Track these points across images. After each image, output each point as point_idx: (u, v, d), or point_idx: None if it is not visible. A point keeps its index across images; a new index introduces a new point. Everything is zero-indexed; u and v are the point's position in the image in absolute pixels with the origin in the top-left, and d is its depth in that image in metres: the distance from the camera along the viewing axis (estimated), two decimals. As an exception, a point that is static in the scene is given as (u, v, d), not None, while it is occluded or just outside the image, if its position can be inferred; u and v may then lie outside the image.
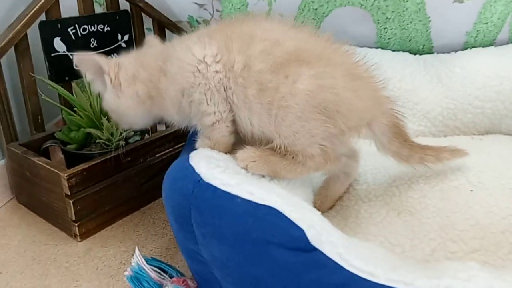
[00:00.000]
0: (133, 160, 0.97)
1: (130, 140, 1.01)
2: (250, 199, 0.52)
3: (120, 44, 1.13)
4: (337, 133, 0.65)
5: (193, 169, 0.59)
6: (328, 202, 0.82)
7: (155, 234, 0.93)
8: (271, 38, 0.67)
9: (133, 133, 1.02)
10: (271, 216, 0.51)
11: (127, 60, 0.75)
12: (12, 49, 0.95)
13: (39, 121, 1.03)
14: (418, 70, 1.10)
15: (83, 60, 0.75)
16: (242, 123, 0.69)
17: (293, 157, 0.66)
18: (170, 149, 1.06)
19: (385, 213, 0.78)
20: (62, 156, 1.07)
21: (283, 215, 0.51)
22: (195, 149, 0.69)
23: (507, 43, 1.18)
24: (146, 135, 1.07)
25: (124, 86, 0.73)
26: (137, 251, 0.76)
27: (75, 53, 0.74)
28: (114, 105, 0.75)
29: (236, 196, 0.53)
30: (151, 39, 0.82)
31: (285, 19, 0.73)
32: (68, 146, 1.00)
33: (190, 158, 0.63)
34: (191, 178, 0.58)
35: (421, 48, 1.23)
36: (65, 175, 0.86)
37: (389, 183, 0.86)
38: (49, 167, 0.89)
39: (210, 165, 0.59)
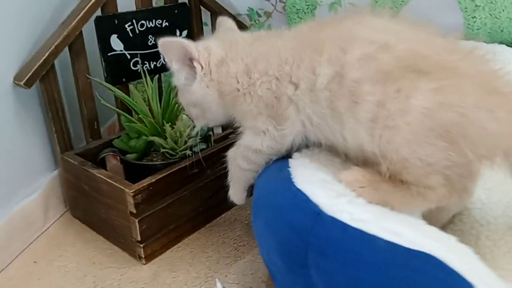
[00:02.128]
0: (200, 171, 0.87)
1: (195, 149, 0.90)
2: (396, 242, 0.40)
3: (178, 41, 1.02)
4: (462, 163, 0.51)
5: (307, 197, 0.47)
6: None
7: (227, 257, 0.82)
8: (378, 39, 0.54)
9: (198, 140, 0.91)
10: (430, 267, 0.39)
11: (214, 45, 0.65)
12: (66, 48, 0.85)
13: (95, 127, 0.93)
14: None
15: (168, 44, 0.65)
16: (333, 137, 0.58)
17: (408, 187, 0.53)
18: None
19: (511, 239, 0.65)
20: (117, 164, 0.98)
21: (446, 265, 0.38)
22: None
23: None
24: (211, 143, 0.96)
25: (214, 75, 0.63)
26: (218, 285, 0.65)
27: (160, 39, 0.65)
28: (201, 97, 0.65)
29: (376, 237, 0.41)
30: (226, 20, 0.74)
31: (400, 16, 0.60)
32: (128, 156, 0.90)
33: (295, 180, 0.52)
34: (306, 209, 0.47)
35: (515, 40, 1.08)
36: (131, 191, 0.76)
37: (508, 201, 0.72)
38: (111, 181, 0.79)
39: (328, 191, 0.47)
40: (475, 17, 1.07)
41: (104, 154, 0.91)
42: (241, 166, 0.67)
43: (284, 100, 0.60)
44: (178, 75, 0.66)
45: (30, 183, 0.87)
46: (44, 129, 0.90)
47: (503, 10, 1.05)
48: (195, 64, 0.63)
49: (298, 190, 0.49)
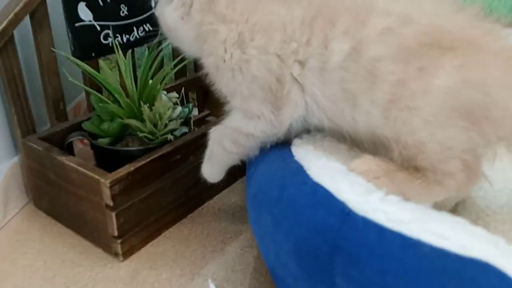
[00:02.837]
0: (182, 158, 0.79)
1: (176, 133, 0.82)
2: (445, 248, 0.35)
3: (154, 12, 0.92)
4: (482, 145, 0.48)
5: (329, 193, 0.41)
6: None
7: (213, 251, 0.76)
8: (398, 12, 0.49)
9: (178, 123, 0.82)
10: (487, 277, 0.33)
11: None
12: (27, 18, 0.74)
13: (61, 108, 0.83)
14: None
15: None
16: (341, 119, 0.53)
17: (425, 174, 0.49)
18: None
19: (521, 230, 0.62)
20: (85, 148, 0.88)
21: (506, 275, 0.33)
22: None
23: None
24: (191, 126, 0.88)
25: (195, 14, 0.58)
26: (212, 286, 0.58)
27: None
28: (172, 25, 0.60)
29: (420, 242, 0.35)
30: None
31: None
32: (100, 140, 0.80)
33: (310, 173, 0.45)
34: (330, 207, 0.40)
35: None
36: (107, 181, 0.67)
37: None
38: (84, 170, 0.70)
39: (355, 186, 0.41)
40: None
41: (72, 139, 0.81)
42: (227, 148, 0.60)
43: (287, 81, 0.54)
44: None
45: (-14, 171, 0.76)
46: (1, 110, 0.79)
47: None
48: None
49: (317, 184, 0.43)
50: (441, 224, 0.37)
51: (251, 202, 0.56)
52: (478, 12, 0.53)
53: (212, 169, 0.65)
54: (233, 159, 0.62)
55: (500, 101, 0.46)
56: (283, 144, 0.60)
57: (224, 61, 0.56)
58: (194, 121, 0.99)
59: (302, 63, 0.53)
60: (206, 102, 1.15)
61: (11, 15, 0.69)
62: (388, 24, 0.48)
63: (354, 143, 0.56)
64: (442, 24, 0.48)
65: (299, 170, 0.48)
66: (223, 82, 0.58)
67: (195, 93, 1.15)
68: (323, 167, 0.47)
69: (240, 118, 0.58)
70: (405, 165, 0.51)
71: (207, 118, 1.14)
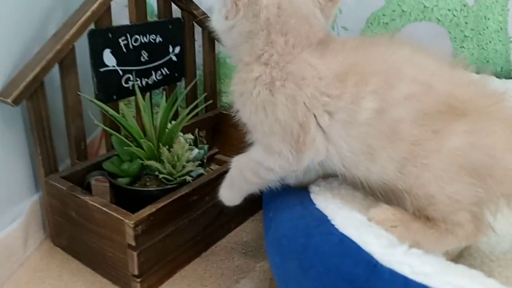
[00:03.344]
0: (199, 199, 0.82)
1: (193, 174, 0.85)
2: (465, 299, 0.38)
3: (170, 57, 0.97)
4: (488, 199, 0.53)
5: (357, 245, 0.45)
6: None
7: (229, 290, 0.78)
8: (422, 79, 0.54)
9: (194, 165, 0.86)
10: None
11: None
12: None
13: (82, 147, 0.86)
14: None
15: None
16: (356, 169, 0.57)
17: (437, 224, 0.53)
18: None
19: (525, 276, 0.66)
20: (102, 185, 0.91)
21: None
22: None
23: None
24: (208, 167, 0.91)
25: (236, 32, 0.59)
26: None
27: None
28: (221, 29, 0.61)
29: (443, 294, 0.39)
30: None
31: (435, 52, 0.59)
32: (120, 180, 0.83)
33: (335, 223, 0.49)
34: (358, 259, 0.44)
35: (499, 71, 1.12)
36: (131, 222, 0.70)
37: (514, 234, 0.73)
38: (107, 210, 0.73)
39: (380, 239, 0.45)
40: (463, 47, 1.10)
41: (94, 178, 0.84)
42: (248, 178, 0.63)
43: (311, 129, 0.57)
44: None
45: (10, 209, 0.79)
46: (26, 149, 0.82)
47: (489, 42, 1.08)
48: None
49: (344, 235, 0.46)
50: (461, 277, 0.40)
51: (274, 247, 0.59)
52: (486, 80, 0.58)
53: (231, 194, 0.67)
54: (253, 188, 0.65)
55: (503, 163, 0.52)
56: (301, 190, 0.64)
57: (251, 95, 0.58)
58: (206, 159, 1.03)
59: (331, 114, 0.56)
60: (215, 141, 1.19)
61: (43, 62, 0.73)
62: (413, 91, 0.53)
63: (368, 192, 0.60)
64: (457, 94, 0.54)
65: (324, 220, 0.52)
66: (246, 113, 0.60)
67: (205, 131, 1.19)
68: (347, 218, 0.50)
69: (261, 151, 0.60)
70: (417, 214, 0.55)
71: (215, 156, 1.18)
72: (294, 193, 0.64)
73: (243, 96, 0.59)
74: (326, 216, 0.52)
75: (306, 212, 0.57)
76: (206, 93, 1.11)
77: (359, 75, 0.55)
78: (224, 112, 1.17)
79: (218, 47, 1.14)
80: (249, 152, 0.63)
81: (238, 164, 0.64)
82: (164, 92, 1.00)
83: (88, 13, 0.78)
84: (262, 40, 0.57)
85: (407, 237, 0.52)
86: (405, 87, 0.53)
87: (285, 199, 0.64)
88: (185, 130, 0.98)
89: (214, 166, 1.16)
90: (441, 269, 0.41)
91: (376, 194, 0.59)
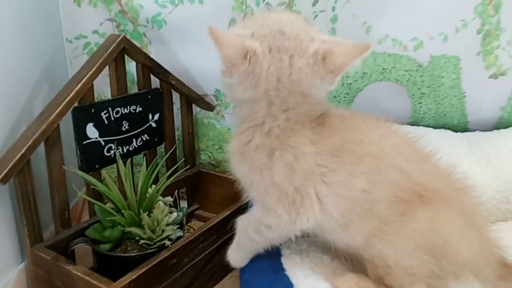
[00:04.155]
0: (177, 261, 0.87)
1: (172, 237, 0.90)
2: None
3: (150, 124, 1.04)
4: (442, 276, 0.61)
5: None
6: None
7: None
8: (404, 168, 0.61)
9: (173, 228, 0.91)
10: None
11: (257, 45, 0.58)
12: (41, 139, 0.84)
13: (66, 216, 0.91)
14: (464, 150, 1.07)
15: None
16: (329, 235, 0.64)
17: None
18: (212, 243, 0.96)
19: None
20: (82, 249, 0.95)
21: None
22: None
23: (542, 119, 1.19)
24: (188, 225, 0.96)
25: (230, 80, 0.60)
26: None
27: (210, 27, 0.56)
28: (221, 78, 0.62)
29: None
30: None
31: (409, 135, 0.67)
32: (102, 246, 0.88)
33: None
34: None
35: (456, 123, 1.21)
36: (112, 291, 0.74)
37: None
38: (89, 279, 0.77)
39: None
40: (421, 103, 1.19)
41: (76, 246, 0.89)
42: (252, 238, 0.66)
43: (310, 197, 0.61)
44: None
45: (-3, 280, 0.82)
46: (13, 221, 0.86)
47: (445, 97, 1.18)
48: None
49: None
50: None
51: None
52: (452, 170, 0.67)
53: (239, 255, 0.71)
54: (257, 248, 0.68)
55: (455, 247, 0.60)
56: (273, 250, 0.69)
57: (251, 158, 0.60)
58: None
59: (328, 185, 0.60)
60: (195, 197, 1.24)
61: (30, 142, 0.79)
62: (396, 178, 0.60)
63: (335, 255, 0.67)
64: (428, 184, 0.61)
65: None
66: (242, 172, 0.62)
67: (185, 189, 1.24)
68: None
69: (260, 209, 0.64)
70: (378, 282, 0.61)
71: (195, 212, 1.23)
72: (267, 256, 0.69)
73: (243, 156, 0.62)
74: (293, 285, 0.58)
75: (276, 278, 0.62)
76: (184, 157, 1.17)
77: (354, 154, 0.61)
78: (203, 169, 1.23)
79: (195, 109, 1.21)
80: (251, 211, 0.67)
81: (242, 223, 0.68)
82: (144, 156, 1.06)
83: (72, 94, 0.84)
84: (263, 110, 0.59)
85: None
86: (390, 174, 0.60)
87: (258, 262, 0.69)
88: (165, 191, 1.04)
89: (194, 222, 1.22)
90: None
91: (341, 258, 0.66)
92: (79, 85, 0.85)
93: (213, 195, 1.20)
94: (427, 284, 0.60)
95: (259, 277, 0.64)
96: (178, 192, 1.13)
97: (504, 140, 1.07)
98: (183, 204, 1.25)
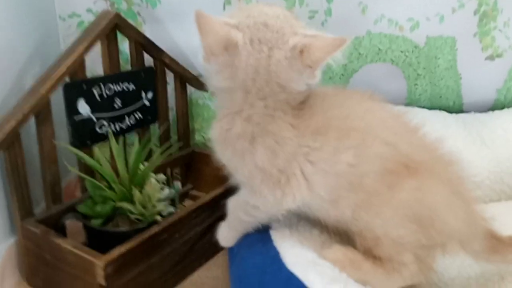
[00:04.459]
0: (168, 237, 0.87)
1: (164, 213, 0.90)
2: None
3: (144, 103, 1.04)
4: (429, 245, 0.61)
5: (301, 283, 0.50)
6: None
7: (197, 324, 0.82)
8: (391, 140, 0.61)
9: (166, 205, 0.91)
10: None
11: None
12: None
13: (57, 191, 0.91)
14: (459, 130, 1.07)
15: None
16: (318, 212, 0.64)
17: (384, 263, 0.61)
18: (204, 220, 0.96)
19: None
20: (77, 225, 0.95)
21: None
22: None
23: (538, 101, 1.18)
24: (182, 203, 0.96)
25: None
26: None
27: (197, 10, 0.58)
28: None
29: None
30: None
31: (402, 113, 0.68)
32: (93, 221, 0.88)
33: (286, 261, 0.55)
34: (301, 296, 0.49)
35: (452, 105, 1.21)
36: (101, 262, 0.74)
37: (461, 261, 0.78)
38: (79, 252, 0.77)
39: (322, 277, 0.51)
40: (417, 84, 1.18)
41: (68, 220, 0.89)
42: (241, 217, 0.67)
43: (296, 176, 0.61)
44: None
45: (-13, 254, 0.83)
46: (3, 195, 0.86)
47: (441, 79, 1.17)
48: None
49: (291, 274, 0.52)
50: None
51: (235, 283, 0.64)
52: (438, 144, 0.66)
53: (228, 234, 0.71)
54: (247, 227, 0.69)
55: (442, 217, 0.60)
56: (264, 224, 0.69)
57: (233, 144, 0.61)
58: (179, 195, 1.08)
59: (312, 164, 0.60)
60: (189, 177, 1.24)
61: (20, 115, 0.78)
62: (383, 151, 0.60)
63: (324, 228, 0.67)
64: (414, 156, 0.62)
65: (276, 258, 0.57)
66: (226, 158, 0.63)
67: (179, 169, 1.24)
68: (297, 256, 0.56)
69: (247, 190, 0.64)
70: (366, 255, 0.61)
71: (190, 192, 1.23)
72: (257, 230, 0.69)
73: (225, 142, 0.62)
74: (279, 254, 0.58)
75: (264, 249, 0.62)
76: (178, 137, 1.17)
77: (339, 130, 0.61)
78: (197, 150, 1.23)
79: (189, 89, 1.20)
80: (239, 193, 0.67)
81: (231, 203, 0.69)
82: (138, 134, 1.06)
83: (63, 68, 0.84)
84: (240, 98, 0.59)
85: (356, 276, 0.58)
86: (377, 147, 0.60)
87: (248, 236, 0.69)
88: (158, 170, 1.03)
89: (188, 202, 1.21)
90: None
91: (330, 232, 0.66)
92: (70, 60, 0.84)
93: (207, 175, 1.20)
94: (415, 255, 0.60)
95: (247, 249, 0.64)
96: (171, 171, 1.12)
97: (499, 121, 1.07)
98: (177, 184, 1.25)
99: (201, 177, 1.23)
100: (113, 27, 0.92)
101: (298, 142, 0.60)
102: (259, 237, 0.65)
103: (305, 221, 0.70)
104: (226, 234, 0.72)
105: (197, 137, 1.30)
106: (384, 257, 0.60)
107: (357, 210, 0.61)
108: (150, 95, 1.04)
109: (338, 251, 0.61)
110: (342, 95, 0.67)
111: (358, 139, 0.60)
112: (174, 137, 1.21)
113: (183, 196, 1.20)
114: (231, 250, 0.74)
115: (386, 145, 0.61)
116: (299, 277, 0.51)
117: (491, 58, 1.15)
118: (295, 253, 0.56)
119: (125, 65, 1.08)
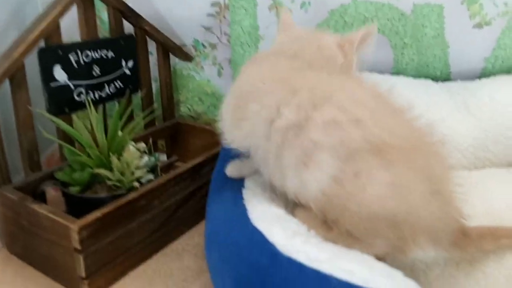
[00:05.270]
0: (147, 203, 0.86)
1: (142, 180, 0.90)
2: (350, 281, 0.43)
3: (124, 71, 1.02)
4: (401, 238, 0.55)
5: (264, 237, 0.50)
6: None
7: (177, 289, 0.82)
8: (353, 111, 0.53)
9: (144, 171, 0.90)
10: (380, 303, 0.42)
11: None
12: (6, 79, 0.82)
13: (35, 159, 0.90)
14: (444, 98, 1.05)
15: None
16: (275, 181, 0.59)
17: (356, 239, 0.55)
18: (185, 188, 0.95)
19: (443, 263, 0.71)
20: (57, 195, 0.95)
21: (394, 301, 0.42)
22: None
23: (525, 70, 1.16)
24: (157, 172, 0.96)
25: None
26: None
27: None
28: None
29: (330, 277, 0.44)
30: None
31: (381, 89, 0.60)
32: (71, 188, 0.87)
33: (251, 217, 0.54)
34: (263, 249, 0.49)
35: (439, 74, 1.19)
36: (76, 227, 0.74)
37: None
38: (54, 216, 0.77)
39: (285, 231, 0.50)
40: (403, 53, 1.16)
41: (45, 187, 0.88)
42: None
43: (247, 108, 0.58)
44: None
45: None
46: (-21, 162, 0.85)
47: (428, 48, 1.15)
48: None
49: (255, 228, 0.51)
50: (349, 262, 0.45)
51: (207, 241, 0.63)
52: (427, 130, 0.59)
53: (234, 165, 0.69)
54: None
55: (416, 215, 0.53)
56: (237, 183, 0.68)
57: None
58: (163, 167, 1.08)
59: (260, 107, 0.56)
60: (174, 149, 1.23)
61: (-8, 79, 0.77)
62: (338, 118, 0.52)
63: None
64: (386, 137, 0.52)
65: (243, 214, 0.56)
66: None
67: (164, 140, 1.23)
68: (263, 212, 0.55)
69: None
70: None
71: (175, 164, 1.23)
72: (230, 187, 0.68)
73: None
74: (246, 210, 0.57)
75: (234, 207, 0.61)
76: (163, 108, 1.16)
77: (290, 84, 0.56)
78: (182, 121, 1.22)
79: (173, 60, 1.19)
80: None
81: None
82: (118, 104, 1.05)
83: (37, 32, 0.82)
84: None
85: (326, 237, 0.54)
86: (329, 112, 0.52)
87: (221, 193, 0.68)
88: (142, 140, 1.02)
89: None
90: (334, 256, 0.46)
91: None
92: (44, 23, 0.83)
93: (192, 146, 1.19)
94: (386, 240, 0.54)
95: (219, 208, 0.63)
96: (153, 141, 1.11)
97: (486, 89, 1.05)
98: (162, 156, 1.24)
99: (186, 148, 1.22)
100: (89, -9, 0.91)
101: (260, 75, 0.60)
102: (231, 195, 0.64)
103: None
104: (232, 165, 0.70)
105: (183, 109, 1.28)
106: (355, 236, 0.54)
107: (318, 197, 0.53)
108: (130, 63, 1.03)
109: (310, 211, 0.59)
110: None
111: (305, 96, 0.54)
112: (159, 108, 1.19)
113: (168, 167, 1.20)
114: (207, 207, 0.73)
115: (345, 115, 0.52)
116: (262, 231, 0.50)
117: (479, 26, 1.13)
118: (262, 209, 0.56)
119: (107, 34, 1.06)
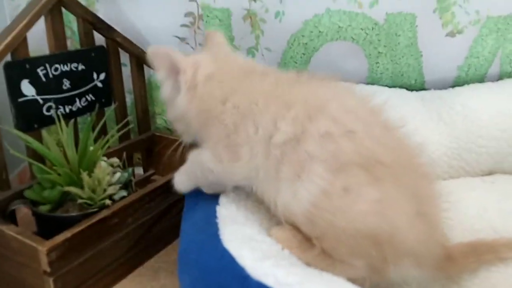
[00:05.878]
0: (120, 221, 0.84)
1: (115, 197, 0.87)
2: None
3: (96, 84, 1.00)
4: (382, 259, 0.55)
5: (233, 259, 0.49)
6: None
7: (151, 309, 0.80)
8: (346, 123, 0.54)
9: (117, 188, 0.88)
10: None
11: (205, 59, 0.65)
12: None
13: (3, 177, 0.87)
14: (417, 107, 1.06)
15: (157, 53, 0.65)
16: (266, 198, 0.59)
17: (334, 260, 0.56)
18: (160, 203, 0.93)
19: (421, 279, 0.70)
20: (28, 213, 0.92)
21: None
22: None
23: (498, 77, 1.18)
24: (132, 188, 0.94)
25: (199, 91, 0.62)
26: None
27: (151, 47, 0.67)
28: (183, 111, 0.64)
29: (300, 300, 0.43)
30: (217, 35, 0.74)
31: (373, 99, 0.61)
32: (41, 207, 0.85)
33: (223, 238, 0.53)
34: (233, 272, 0.48)
35: (413, 83, 1.20)
36: (44, 248, 0.71)
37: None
38: (22, 238, 0.74)
39: (255, 253, 0.49)
40: (378, 62, 1.17)
41: (14, 207, 0.85)
42: (196, 173, 0.65)
43: (242, 135, 0.58)
44: (164, 86, 0.66)
45: None
46: None
47: (402, 57, 1.16)
48: (181, 76, 0.62)
49: (225, 250, 0.50)
50: (320, 285, 0.45)
51: (179, 262, 0.62)
52: (417, 148, 0.60)
53: (184, 179, 0.68)
54: (201, 184, 0.66)
55: (401, 235, 0.53)
56: (212, 200, 0.66)
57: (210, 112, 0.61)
58: (139, 181, 1.06)
59: (256, 128, 0.57)
60: (150, 163, 1.21)
61: (-45, 96, 0.74)
62: (332, 130, 0.53)
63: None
64: (378, 153, 0.53)
65: (215, 234, 0.55)
66: (206, 128, 0.62)
67: (140, 154, 1.21)
68: (234, 233, 0.54)
69: (208, 153, 0.62)
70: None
71: (152, 177, 1.20)
72: (204, 205, 0.66)
73: (207, 119, 0.62)
74: (218, 230, 0.56)
75: (206, 226, 0.60)
76: (138, 121, 1.14)
77: (283, 99, 0.57)
78: (158, 134, 1.20)
79: (148, 71, 1.17)
80: (201, 151, 0.64)
81: (192, 157, 0.66)
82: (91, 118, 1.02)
83: (2, 46, 0.80)
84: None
85: (302, 259, 0.54)
86: (324, 124, 0.53)
87: (195, 211, 0.67)
88: (117, 154, 1.00)
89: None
90: (304, 279, 0.45)
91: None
92: (10, 38, 0.80)
93: (169, 159, 1.17)
94: (366, 261, 0.54)
95: (191, 227, 0.62)
96: (127, 155, 1.09)
97: (458, 97, 1.06)
98: (139, 170, 1.22)
99: (163, 162, 1.20)
100: (57, 3, 0.88)
101: (252, 97, 0.60)
102: (204, 213, 0.63)
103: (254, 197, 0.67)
104: (183, 180, 0.69)
105: (159, 121, 1.27)
106: (335, 258, 0.55)
107: (308, 209, 0.54)
108: (102, 76, 1.01)
109: (288, 230, 0.57)
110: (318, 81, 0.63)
111: (301, 109, 0.55)
112: (134, 121, 1.17)
113: (145, 181, 1.17)
114: (181, 225, 0.72)
115: (338, 127, 0.53)
116: (232, 254, 0.49)
117: (451, 34, 1.14)
118: (233, 229, 0.54)
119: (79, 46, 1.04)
